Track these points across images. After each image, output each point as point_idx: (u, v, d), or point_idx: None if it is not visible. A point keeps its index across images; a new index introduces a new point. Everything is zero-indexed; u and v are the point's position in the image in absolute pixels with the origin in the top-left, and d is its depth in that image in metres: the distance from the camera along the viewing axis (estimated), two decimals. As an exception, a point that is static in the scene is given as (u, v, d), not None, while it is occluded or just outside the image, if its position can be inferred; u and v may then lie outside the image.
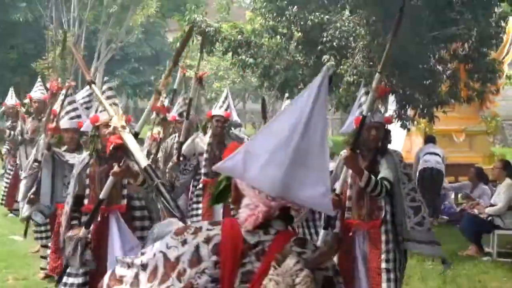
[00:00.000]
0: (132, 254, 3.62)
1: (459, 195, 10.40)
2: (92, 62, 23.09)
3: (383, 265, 4.11)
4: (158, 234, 2.39)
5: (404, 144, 11.72)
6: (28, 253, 7.14)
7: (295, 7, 9.17)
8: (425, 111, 9.11)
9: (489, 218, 7.63)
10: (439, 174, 9.48)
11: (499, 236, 7.60)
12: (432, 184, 9.33)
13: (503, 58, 11.11)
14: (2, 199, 9.04)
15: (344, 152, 4.21)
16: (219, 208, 5.87)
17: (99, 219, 4.17)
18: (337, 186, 4.29)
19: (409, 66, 8.57)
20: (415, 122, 9.89)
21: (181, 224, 2.55)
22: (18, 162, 8.53)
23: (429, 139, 10.14)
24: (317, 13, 9.07)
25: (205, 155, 6.20)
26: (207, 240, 1.92)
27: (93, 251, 4.05)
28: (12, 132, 8.58)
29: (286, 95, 8.15)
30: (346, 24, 8.95)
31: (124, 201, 4.20)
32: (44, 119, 7.18)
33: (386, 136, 4.36)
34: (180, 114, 6.93)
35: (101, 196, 4.00)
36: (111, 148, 3.82)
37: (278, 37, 9.89)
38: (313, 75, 7.61)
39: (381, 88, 4.30)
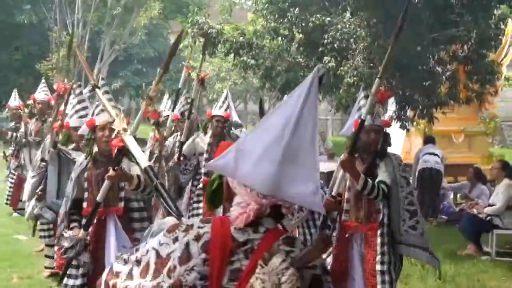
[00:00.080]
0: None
1: (458, 195, 10.42)
2: (96, 63, 23.19)
3: (378, 267, 4.11)
4: (155, 232, 2.41)
5: (404, 144, 11.73)
6: (32, 252, 7.18)
7: (297, 9, 9.22)
8: (424, 112, 9.12)
9: (488, 217, 7.66)
10: (438, 174, 9.47)
11: (498, 235, 7.62)
12: (431, 184, 9.31)
13: (502, 60, 11.08)
14: (7, 199, 9.08)
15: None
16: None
17: (97, 221, 4.17)
18: (334, 188, 4.28)
19: (409, 67, 8.60)
20: (415, 123, 9.88)
21: (178, 222, 2.60)
22: (22, 162, 8.56)
23: (428, 140, 10.15)
24: (318, 15, 9.12)
25: (205, 155, 6.25)
26: (197, 238, 1.94)
27: (91, 253, 4.08)
28: (15, 134, 8.61)
29: (287, 96, 8.19)
30: (347, 26, 8.98)
31: (122, 204, 4.21)
32: (48, 120, 7.22)
33: (385, 139, 4.34)
34: (182, 113, 6.98)
35: (97, 199, 4.01)
36: (116, 151, 3.84)
37: (280, 38, 9.93)
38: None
39: (381, 93, 4.21)
